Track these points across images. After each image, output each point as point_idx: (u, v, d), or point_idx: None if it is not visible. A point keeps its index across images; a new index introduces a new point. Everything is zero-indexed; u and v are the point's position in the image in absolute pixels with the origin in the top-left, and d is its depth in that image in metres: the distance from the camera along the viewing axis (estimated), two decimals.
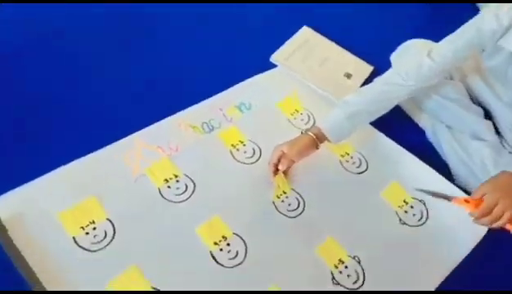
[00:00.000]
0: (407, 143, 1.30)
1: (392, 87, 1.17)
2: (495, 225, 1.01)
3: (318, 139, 1.14)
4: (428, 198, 1.18)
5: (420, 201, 1.19)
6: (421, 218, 1.17)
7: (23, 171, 1.01)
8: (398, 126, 1.35)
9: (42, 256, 0.91)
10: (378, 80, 1.21)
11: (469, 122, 1.26)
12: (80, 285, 0.89)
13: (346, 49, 1.57)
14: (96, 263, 0.93)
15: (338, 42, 1.59)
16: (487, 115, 1.30)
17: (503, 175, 1.05)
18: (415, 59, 1.18)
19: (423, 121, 1.37)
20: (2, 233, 0.90)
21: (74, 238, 0.95)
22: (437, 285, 1.04)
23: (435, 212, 1.17)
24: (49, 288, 0.86)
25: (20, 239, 0.91)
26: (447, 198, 1.13)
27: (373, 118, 1.21)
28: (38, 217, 0.95)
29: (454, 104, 1.27)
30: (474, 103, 1.31)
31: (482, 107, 1.30)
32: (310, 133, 1.14)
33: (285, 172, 1.14)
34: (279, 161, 1.11)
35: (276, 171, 1.12)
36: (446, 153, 1.29)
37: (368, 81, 1.46)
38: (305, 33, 1.60)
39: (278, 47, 1.51)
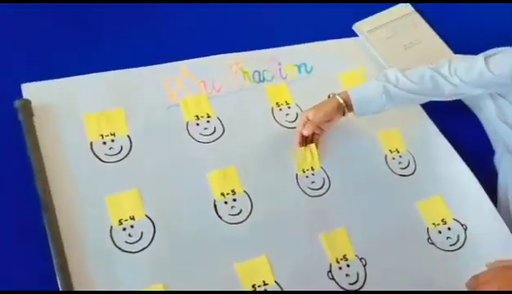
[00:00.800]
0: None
1: (438, 78, 1.02)
2: None
3: (346, 106, 1.03)
4: (472, 224, 1.03)
5: (462, 225, 1.04)
6: (455, 244, 1.02)
7: (66, 65, 1.02)
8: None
9: (56, 150, 0.91)
10: (429, 66, 1.06)
11: None
12: (80, 188, 0.89)
13: (444, 40, 1.37)
14: (102, 174, 0.92)
15: (438, 30, 1.39)
16: None
17: None
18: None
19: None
20: (28, 118, 0.92)
21: (91, 143, 0.94)
22: None
23: (474, 242, 1.02)
24: (51, 182, 0.87)
25: (41, 128, 0.92)
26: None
27: (411, 104, 1.10)
28: (65, 112, 0.96)
29: None
30: None
31: None
32: (338, 97, 1.03)
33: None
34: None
35: (304, 141, 1.03)
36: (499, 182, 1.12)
37: None
38: (402, 9, 1.41)
39: (366, 17, 1.36)
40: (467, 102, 1.26)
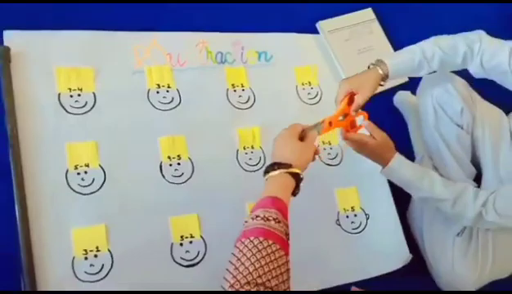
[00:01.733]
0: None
1: (468, 55, 1.08)
2: None
3: (383, 76, 1.08)
4: (373, 215, 1.21)
5: (366, 214, 1.22)
6: (357, 228, 1.20)
7: (48, 19, 1.11)
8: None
9: (27, 96, 1.02)
10: (465, 38, 1.09)
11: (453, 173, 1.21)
12: (44, 132, 1.00)
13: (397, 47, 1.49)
14: (65, 123, 1.03)
15: (393, 38, 1.51)
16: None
17: None
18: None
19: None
20: (5, 64, 1.01)
21: (59, 94, 1.05)
22: (331, 285, 1.11)
23: (371, 229, 1.20)
24: (19, 123, 0.98)
25: (16, 74, 1.02)
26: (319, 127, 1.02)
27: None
28: (39, 62, 1.06)
29: (450, 155, 1.20)
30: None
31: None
32: (379, 70, 1.07)
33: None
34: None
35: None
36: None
37: (396, 89, 1.41)
38: (366, 14, 1.53)
39: (331, 17, 1.47)
40: (403, 108, 1.41)
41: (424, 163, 1.29)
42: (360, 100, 1.05)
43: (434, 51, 1.08)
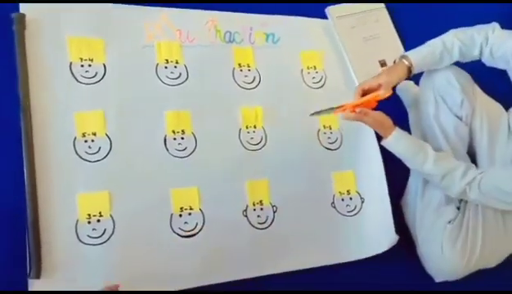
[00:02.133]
0: None
1: (484, 47, 1.16)
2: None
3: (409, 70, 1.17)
4: (368, 199, 1.24)
5: (361, 198, 1.25)
6: (351, 211, 1.23)
7: None
8: None
9: (39, 62, 1.04)
10: (480, 30, 1.17)
11: None
12: (54, 100, 1.03)
13: (403, 40, 1.50)
14: (75, 91, 1.06)
15: (401, 29, 1.51)
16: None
17: None
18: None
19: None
20: (21, 30, 1.04)
21: (70, 63, 1.08)
22: (321, 264, 1.15)
23: (365, 213, 1.24)
24: (31, 88, 1.01)
25: (30, 40, 1.04)
26: (331, 109, 1.13)
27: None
28: (52, 31, 1.08)
29: (447, 146, 1.21)
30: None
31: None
32: (406, 63, 1.17)
33: None
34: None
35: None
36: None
37: None
38: (376, 3, 1.53)
39: (341, 2, 1.47)
40: (404, 97, 1.42)
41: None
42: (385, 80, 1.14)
43: (454, 43, 1.16)
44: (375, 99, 1.13)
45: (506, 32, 1.15)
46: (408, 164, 1.17)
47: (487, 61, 1.18)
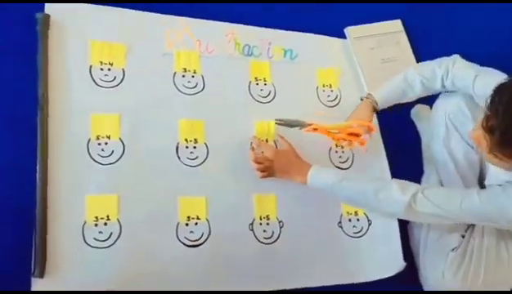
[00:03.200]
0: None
1: (444, 79, 1.15)
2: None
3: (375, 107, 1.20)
4: (375, 223, 1.21)
5: (369, 220, 1.21)
6: (357, 232, 1.20)
7: None
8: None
9: (60, 63, 1.04)
10: (440, 62, 1.18)
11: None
12: (72, 100, 1.03)
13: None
14: (93, 94, 1.05)
15: (419, 51, 1.49)
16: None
17: None
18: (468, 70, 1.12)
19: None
20: (44, 31, 1.04)
21: (90, 66, 1.07)
22: (324, 284, 1.11)
23: (371, 236, 1.20)
24: (50, 88, 1.01)
25: (53, 41, 1.04)
26: (302, 124, 1.14)
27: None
28: (75, 33, 1.08)
29: (456, 173, 1.18)
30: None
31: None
32: (371, 101, 1.20)
33: None
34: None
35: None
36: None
37: (417, 101, 1.39)
38: (394, 25, 1.51)
39: (360, 24, 1.46)
40: (418, 122, 1.39)
41: (431, 179, 1.28)
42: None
43: (415, 78, 1.17)
44: (347, 130, 1.17)
45: (466, 63, 1.15)
46: (338, 193, 1.09)
47: (449, 89, 1.17)
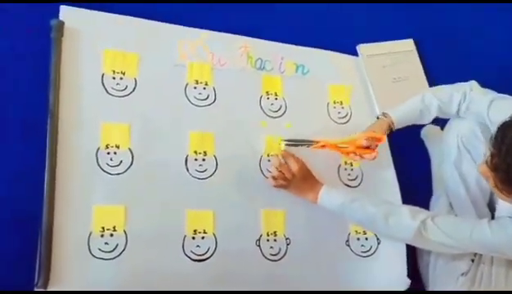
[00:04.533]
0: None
1: (462, 105, 1.13)
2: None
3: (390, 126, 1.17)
4: (384, 242, 1.17)
5: (378, 239, 1.18)
6: (365, 252, 1.17)
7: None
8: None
9: (72, 70, 1.02)
10: (457, 88, 1.15)
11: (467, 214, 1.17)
12: (82, 108, 1.01)
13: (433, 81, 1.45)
14: (104, 103, 1.03)
15: (430, 71, 1.47)
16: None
17: None
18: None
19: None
20: (58, 38, 1.02)
21: (103, 74, 1.05)
22: None
23: (379, 256, 1.17)
24: (61, 95, 0.99)
25: (66, 48, 1.03)
26: (309, 143, 1.13)
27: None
28: (89, 41, 1.06)
29: (467, 196, 1.16)
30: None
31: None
32: (386, 120, 1.16)
33: None
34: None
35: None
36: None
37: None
38: (406, 44, 1.50)
39: (372, 41, 1.44)
40: (428, 143, 1.37)
41: (441, 201, 1.25)
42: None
43: (432, 101, 1.15)
44: (356, 143, 1.14)
45: (482, 90, 1.13)
46: (347, 214, 1.08)
47: (463, 114, 1.15)
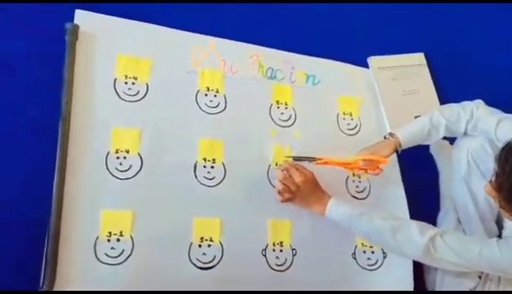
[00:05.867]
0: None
1: (469, 124, 1.13)
2: None
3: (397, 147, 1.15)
4: (391, 256, 1.16)
5: (384, 253, 1.17)
6: (372, 265, 1.15)
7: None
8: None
9: (86, 74, 1.02)
10: (465, 107, 1.14)
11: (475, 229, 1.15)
12: (94, 112, 1.00)
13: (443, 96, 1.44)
14: (115, 107, 1.03)
15: (440, 86, 1.45)
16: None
17: None
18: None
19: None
20: (72, 41, 1.02)
21: (115, 79, 1.05)
22: None
23: (385, 269, 1.15)
24: (74, 98, 0.98)
25: (80, 52, 1.02)
26: (310, 159, 1.11)
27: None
28: (103, 46, 1.06)
29: (475, 211, 1.15)
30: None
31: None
32: (393, 140, 1.15)
33: None
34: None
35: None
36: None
37: None
38: (417, 58, 1.49)
39: (383, 54, 1.43)
40: (438, 157, 1.35)
41: (449, 217, 1.23)
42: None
43: (440, 121, 1.14)
44: (358, 164, 1.13)
45: (489, 109, 1.13)
46: (355, 228, 1.07)
47: (470, 133, 1.14)
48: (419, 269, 1.18)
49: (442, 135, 1.16)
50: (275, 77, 1.23)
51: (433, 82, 1.46)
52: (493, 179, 0.89)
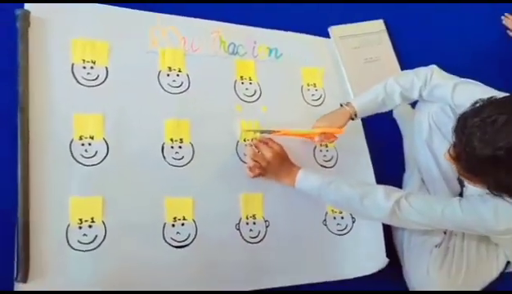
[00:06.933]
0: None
1: (422, 90, 1.15)
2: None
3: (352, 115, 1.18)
4: (360, 221, 1.21)
5: (353, 218, 1.21)
6: (342, 230, 1.20)
7: None
8: None
9: (41, 61, 1.00)
10: (418, 73, 1.16)
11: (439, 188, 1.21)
12: (53, 99, 0.99)
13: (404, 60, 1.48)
14: (75, 93, 1.01)
15: (401, 51, 1.49)
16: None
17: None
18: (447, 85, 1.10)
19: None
20: (24, 27, 0.99)
21: (72, 64, 1.03)
22: (310, 281, 1.11)
23: (354, 233, 1.20)
24: (31, 87, 0.96)
25: (33, 39, 1.00)
26: (269, 132, 1.14)
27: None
28: (56, 31, 1.03)
29: (438, 172, 1.20)
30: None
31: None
32: (347, 109, 1.17)
33: None
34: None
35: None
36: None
37: None
38: (377, 25, 1.51)
39: (344, 23, 1.45)
40: (401, 122, 1.40)
41: (414, 178, 1.29)
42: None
43: (395, 88, 1.16)
44: (313, 134, 1.16)
45: (444, 74, 1.15)
46: (325, 197, 1.10)
47: (427, 98, 1.16)
48: (388, 230, 1.24)
49: (397, 103, 1.18)
50: (237, 52, 1.23)
51: (393, 48, 1.50)
52: (451, 149, 0.91)
